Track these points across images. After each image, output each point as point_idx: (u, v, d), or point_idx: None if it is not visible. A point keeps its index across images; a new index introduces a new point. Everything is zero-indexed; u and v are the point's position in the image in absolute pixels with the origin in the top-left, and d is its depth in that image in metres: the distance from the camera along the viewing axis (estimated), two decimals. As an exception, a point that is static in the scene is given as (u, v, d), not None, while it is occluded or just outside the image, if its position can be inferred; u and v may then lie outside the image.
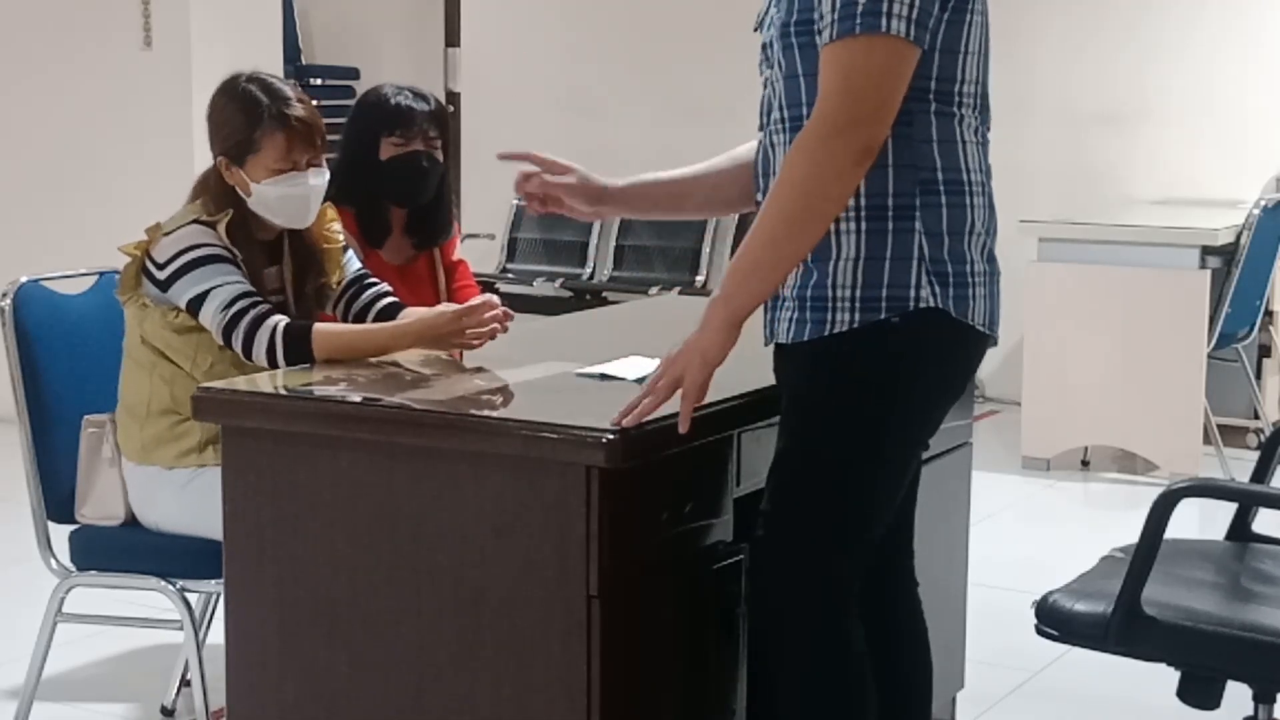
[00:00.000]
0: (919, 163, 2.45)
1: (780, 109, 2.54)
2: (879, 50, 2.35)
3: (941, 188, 2.47)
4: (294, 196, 3.19)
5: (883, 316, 2.45)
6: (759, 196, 2.59)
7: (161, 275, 3.13)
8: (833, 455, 2.51)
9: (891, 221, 2.45)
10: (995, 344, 2.62)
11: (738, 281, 2.45)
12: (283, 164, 3.16)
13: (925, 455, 2.68)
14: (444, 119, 3.83)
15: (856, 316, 2.45)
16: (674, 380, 2.44)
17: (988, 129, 2.57)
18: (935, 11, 2.40)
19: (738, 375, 2.64)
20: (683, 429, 2.45)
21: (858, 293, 2.45)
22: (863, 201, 2.44)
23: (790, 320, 2.52)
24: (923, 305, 2.45)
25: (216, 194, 3.19)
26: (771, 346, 2.61)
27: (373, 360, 2.99)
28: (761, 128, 2.61)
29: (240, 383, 2.84)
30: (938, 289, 2.45)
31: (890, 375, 2.49)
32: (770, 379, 2.71)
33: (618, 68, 8.07)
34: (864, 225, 2.45)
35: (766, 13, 2.59)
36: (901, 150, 2.44)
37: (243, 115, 3.18)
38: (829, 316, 2.46)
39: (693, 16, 7.80)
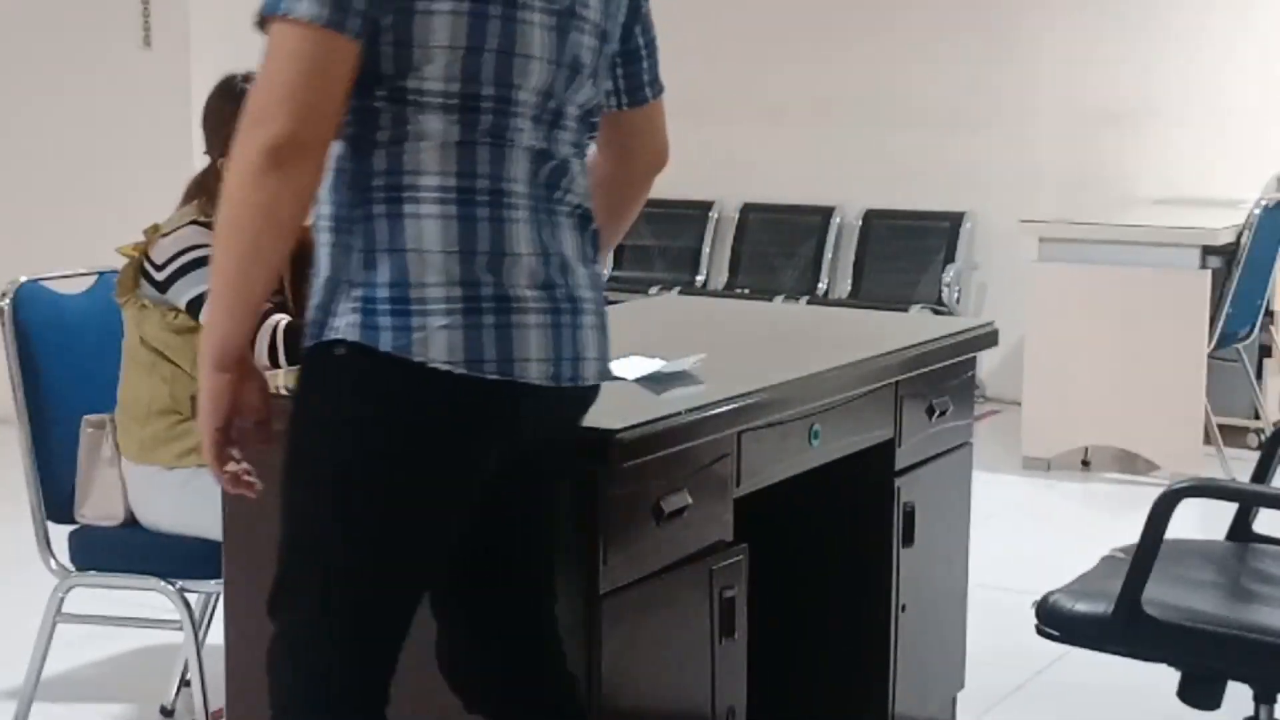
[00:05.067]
0: (371, 169, 2.10)
1: None
2: (286, 36, 2.03)
3: (401, 195, 2.09)
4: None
5: (310, 343, 2.13)
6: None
7: (160, 276, 3.13)
8: (294, 516, 2.19)
9: (334, 234, 2.13)
10: (532, 387, 2.14)
11: (207, 319, 2.13)
12: (286, 158, 3.16)
13: (926, 456, 2.65)
14: None
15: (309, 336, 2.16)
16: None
17: (544, 134, 2.20)
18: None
19: (738, 375, 2.64)
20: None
21: (310, 314, 2.15)
22: (327, 210, 2.15)
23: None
24: (331, 336, 2.09)
25: (215, 195, 3.18)
26: None
27: (373, 360, 2.98)
28: None
29: (240, 383, 2.83)
30: (361, 318, 2.07)
31: (330, 414, 2.14)
32: (774, 378, 2.71)
33: (618, 68, 8.05)
34: (324, 238, 2.16)
35: None
36: (354, 154, 2.12)
37: (243, 113, 3.17)
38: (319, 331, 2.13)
39: (692, 16, 7.79)
